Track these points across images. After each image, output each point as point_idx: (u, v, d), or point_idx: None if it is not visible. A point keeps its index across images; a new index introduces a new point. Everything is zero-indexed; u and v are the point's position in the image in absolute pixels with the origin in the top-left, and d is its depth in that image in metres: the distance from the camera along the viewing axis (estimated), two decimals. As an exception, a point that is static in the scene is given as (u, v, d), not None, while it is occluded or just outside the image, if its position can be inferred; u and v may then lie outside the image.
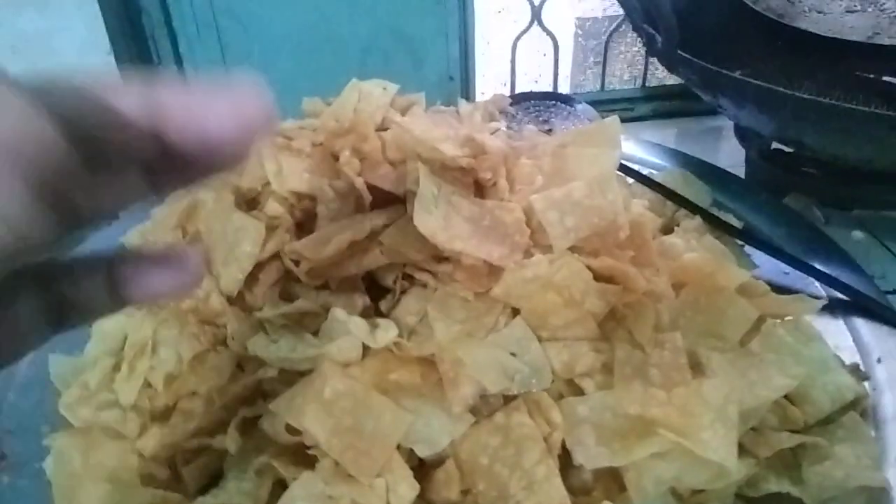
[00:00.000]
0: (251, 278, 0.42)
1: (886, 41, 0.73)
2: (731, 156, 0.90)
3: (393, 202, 0.41)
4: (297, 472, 0.36)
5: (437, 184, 0.37)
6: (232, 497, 0.37)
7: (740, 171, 0.76)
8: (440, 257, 0.38)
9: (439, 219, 0.36)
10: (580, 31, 1.07)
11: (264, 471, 0.38)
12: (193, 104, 0.19)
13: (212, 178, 0.22)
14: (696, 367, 0.39)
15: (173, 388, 0.41)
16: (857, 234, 0.70)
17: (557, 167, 0.40)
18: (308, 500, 0.34)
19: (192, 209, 0.46)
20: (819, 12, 0.71)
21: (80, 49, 0.75)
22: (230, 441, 0.38)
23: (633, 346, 0.38)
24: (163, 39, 0.78)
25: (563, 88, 1.05)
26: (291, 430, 0.37)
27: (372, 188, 0.41)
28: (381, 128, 0.44)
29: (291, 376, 0.39)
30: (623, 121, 1.06)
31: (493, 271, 0.38)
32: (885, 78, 0.77)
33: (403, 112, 0.48)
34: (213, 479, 0.40)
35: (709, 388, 0.37)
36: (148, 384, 0.42)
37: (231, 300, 0.42)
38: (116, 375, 0.43)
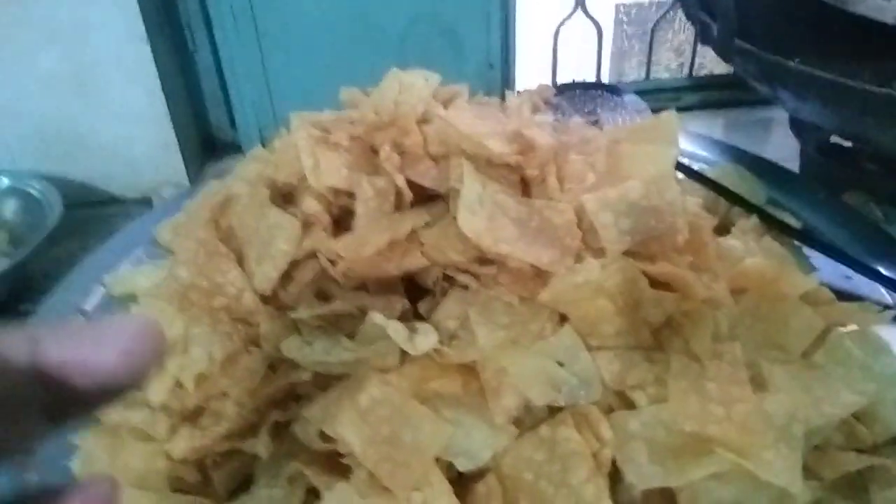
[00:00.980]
0: (286, 277, 0.41)
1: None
2: (781, 148, 0.87)
3: (435, 200, 0.39)
4: (330, 481, 0.35)
5: (483, 182, 0.35)
6: (263, 504, 0.35)
7: (792, 165, 0.72)
8: (484, 259, 0.36)
9: (484, 220, 0.34)
10: (625, 18, 1.04)
11: (296, 478, 0.36)
12: (79, 346, 0.20)
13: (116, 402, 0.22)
14: (757, 381, 0.36)
15: (204, 388, 0.40)
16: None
17: (611, 165, 0.38)
18: (342, 513, 0.33)
19: (226, 203, 0.44)
20: (886, -1, 0.67)
21: (116, 37, 0.74)
22: (261, 446, 0.37)
23: (689, 357, 0.36)
24: (199, 28, 0.77)
25: (606, 77, 1.02)
26: (325, 437, 0.36)
27: (413, 185, 0.39)
28: (423, 121, 0.42)
29: (326, 380, 0.37)
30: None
31: (540, 275, 0.36)
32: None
33: (446, 104, 0.45)
34: (243, 485, 0.39)
35: (771, 404, 0.34)
36: (178, 384, 0.40)
37: (265, 299, 0.41)
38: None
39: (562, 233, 0.35)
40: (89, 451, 0.38)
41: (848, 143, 0.65)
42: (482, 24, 0.80)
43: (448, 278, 0.38)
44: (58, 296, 0.53)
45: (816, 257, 0.49)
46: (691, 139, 0.68)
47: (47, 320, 0.51)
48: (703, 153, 0.66)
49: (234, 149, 0.86)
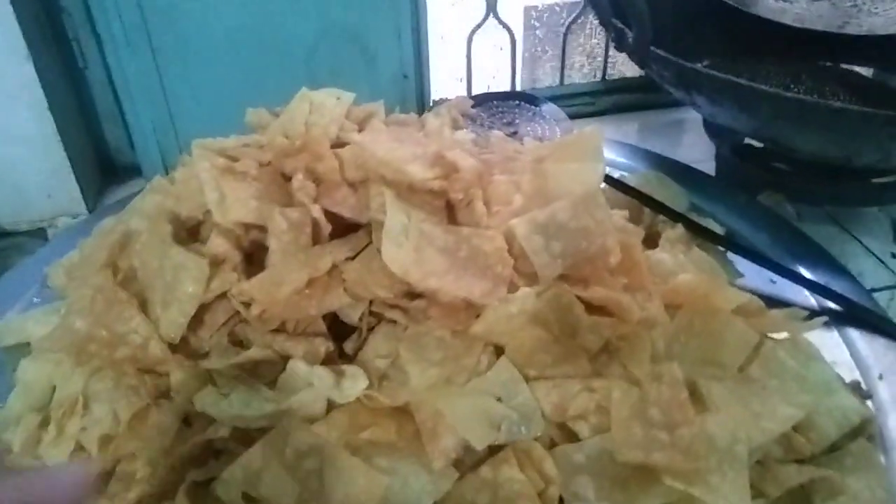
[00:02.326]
0: (196, 320, 0.37)
1: (855, 32, 0.71)
2: (695, 149, 0.88)
3: (353, 229, 0.36)
4: (259, 545, 0.32)
5: (407, 211, 0.33)
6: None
7: (705, 167, 0.73)
8: (412, 293, 0.34)
9: (410, 252, 0.31)
10: (536, 23, 1.03)
11: (221, 544, 0.33)
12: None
13: None
14: (696, 400, 0.35)
15: (110, 450, 0.36)
16: (832, 231, 0.69)
17: (537, 185, 0.36)
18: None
19: (125, 242, 0.40)
20: (787, 0, 0.69)
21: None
22: (178, 511, 0.33)
23: (629, 382, 0.34)
24: (88, 43, 0.71)
25: (521, 84, 1.01)
26: (250, 497, 0.32)
27: (330, 215, 0.36)
28: (337, 144, 0.39)
29: (247, 434, 0.34)
30: (583, 116, 1.02)
31: (472, 306, 0.34)
32: (848, 66, 0.75)
33: (361, 125, 0.43)
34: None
35: (713, 425, 0.34)
36: (80, 447, 0.36)
37: (174, 347, 0.37)
38: (43, 436, 0.37)
39: (493, 261, 0.33)
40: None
41: (761, 145, 0.66)
42: (393, 34, 0.78)
43: (374, 313, 0.36)
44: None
45: (741, 262, 0.49)
46: (610, 146, 0.67)
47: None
48: (622, 160, 0.66)
49: (136, 172, 0.80)
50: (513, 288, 0.34)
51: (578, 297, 0.34)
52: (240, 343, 0.37)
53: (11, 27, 0.66)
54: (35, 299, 0.51)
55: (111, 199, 0.79)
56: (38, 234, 0.77)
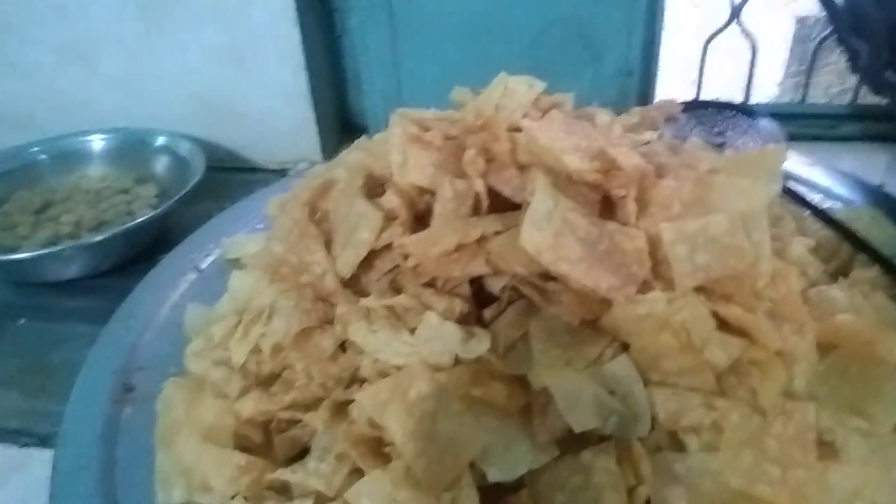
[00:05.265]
0: (366, 264, 0.42)
1: None
2: (949, 194, 0.77)
3: (512, 209, 0.39)
4: (372, 465, 0.36)
5: (555, 198, 0.34)
6: (309, 476, 0.37)
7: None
8: (550, 275, 0.36)
9: (548, 236, 0.33)
10: (789, 35, 0.97)
11: (344, 457, 0.38)
12: None
13: None
14: (829, 448, 0.33)
15: (280, 357, 0.43)
16: None
17: (700, 195, 0.36)
18: (372, 499, 0.34)
19: (326, 187, 0.47)
20: None
21: (271, 16, 0.79)
22: (319, 420, 0.39)
23: (753, 409, 0.33)
24: (346, 14, 0.81)
25: (759, 97, 0.96)
26: (374, 423, 0.37)
27: (494, 192, 0.39)
28: (517, 128, 0.42)
29: (386, 368, 0.39)
30: (823, 139, 0.94)
31: (606, 299, 0.35)
32: None
33: (546, 112, 0.45)
34: (302, 453, 0.41)
35: (837, 475, 0.32)
36: (258, 349, 0.43)
37: (345, 282, 0.43)
38: (235, 333, 0.45)
39: (629, 259, 0.34)
40: (169, 398, 0.41)
41: None
42: (623, 30, 0.78)
43: (515, 289, 0.38)
44: (180, 251, 0.59)
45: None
46: (831, 175, 0.62)
47: (167, 272, 0.56)
48: (840, 191, 0.60)
49: (367, 132, 0.89)
50: (647, 290, 0.34)
51: (714, 313, 0.34)
52: (398, 290, 0.42)
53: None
54: (258, 225, 0.61)
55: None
56: (282, 174, 0.90)
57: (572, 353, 0.35)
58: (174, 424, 0.40)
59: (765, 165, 0.37)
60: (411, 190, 0.40)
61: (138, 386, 0.46)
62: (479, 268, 0.37)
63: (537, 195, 0.34)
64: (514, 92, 0.44)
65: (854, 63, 0.53)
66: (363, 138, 0.50)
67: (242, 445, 0.41)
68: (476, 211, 0.39)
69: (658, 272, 0.35)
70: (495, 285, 0.39)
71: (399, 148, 0.41)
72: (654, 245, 0.35)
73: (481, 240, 0.37)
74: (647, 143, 0.46)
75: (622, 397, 0.34)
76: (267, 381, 0.43)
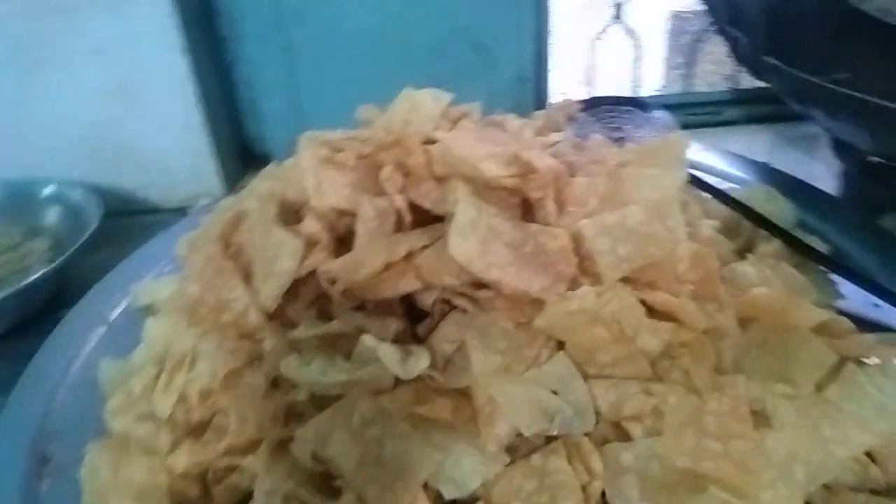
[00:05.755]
0: (291, 294, 0.41)
1: None
2: (828, 165, 0.83)
3: (435, 221, 0.39)
4: (322, 502, 0.35)
5: (478, 206, 0.35)
6: (257, 522, 0.35)
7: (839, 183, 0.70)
8: (480, 283, 0.36)
9: (476, 244, 0.33)
10: (669, 28, 1.02)
11: (291, 497, 0.36)
12: None
13: None
14: (761, 416, 0.35)
15: (208, 403, 0.41)
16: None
17: (613, 189, 0.37)
18: (328, 536, 0.33)
19: (238, 219, 0.45)
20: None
21: (158, 49, 0.76)
22: (259, 463, 0.37)
23: (688, 389, 0.35)
24: (235, 41, 0.79)
25: (648, 90, 1.00)
26: (319, 457, 0.36)
27: (414, 206, 0.39)
28: (430, 141, 0.42)
29: (323, 400, 0.38)
30: (710, 125, 0.99)
31: (537, 300, 0.35)
32: None
33: (454, 124, 0.45)
34: (242, 501, 0.39)
35: (772, 441, 0.33)
36: (184, 398, 0.41)
37: (270, 316, 0.41)
38: (156, 384, 0.43)
39: (555, 258, 0.34)
40: (93, 463, 0.39)
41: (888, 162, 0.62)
42: (514, 38, 0.80)
43: (447, 301, 0.38)
44: (86, 304, 0.55)
45: (845, 284, 0.47)
46: (725, 158, 0.66)
47: (74, 328, 0.53)
48: (735, 172, 0.64)
49: (269, 162, 0.87)
50: (577, 287, 0.35)
51: (642, 301, 0.35)
52: (327, 317, 0.41)
53: (175, 24, 0.74)
54: (167, 268, 0.58)
55: (247, 184, 0.87)
56: (182, 213, 0.86)
57: (511, 357, 0.35)
58: (102, 491, 0.37)
59: (669, 154, 0.39)
60: (330, 213, 0.40)
61: (55, 455, 0.43)
62: (409, 284, 0.36)
63: (460, 205, 0.34)
64: (422, 105, 0.44)
65: (734, 50, 0.56)
66: (271, 166, 0.48)
67: (179, 502, 0.38)
68: (399, 227, 0.38)
69: (583, 268, 0.36)
70: (426, 300, 0.38)
71: (312, 171, 0.40)
72: (576, 242, 0.36)
73: (409, 256, 0.36)
74: (555, 144, 0.47)
75: (564, 395, 0.35)
76: (197, 430, 0.41)
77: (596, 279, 0.35)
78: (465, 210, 0.34)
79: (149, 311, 0.52)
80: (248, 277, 0.42)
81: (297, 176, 0.43)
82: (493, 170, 0.35)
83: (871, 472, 0.35)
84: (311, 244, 0.40)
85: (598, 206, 0.37)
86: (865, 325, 0.41)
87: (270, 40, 0.72)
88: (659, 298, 0.34)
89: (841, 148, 0.65)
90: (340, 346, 0.38)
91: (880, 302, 0.46)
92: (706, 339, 0.35)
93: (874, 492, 0.35)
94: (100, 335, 0.52)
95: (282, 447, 0.38)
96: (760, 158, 0.69)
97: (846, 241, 0.52)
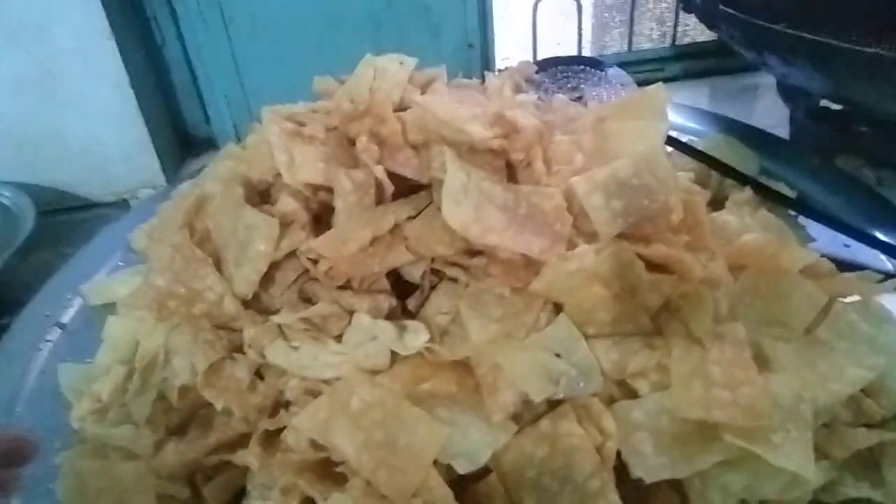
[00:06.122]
0: (267, 278, 0.39)
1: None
2: (770, 115, 0.85)
3: (417, 190, 0.37)
4: (326, 490, 0.33)
5: (467, 170, 0.33)
6: (256, 519, 0.34)
7: (781, 132, 0.71)
8: (472, 250, 0.35)
9: (470, 210, 0.32)
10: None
11: (290, 489, 0.34)
12: None
13: None
14: (760, 360, 0.35)
15: (189, 400, 0.38)
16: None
17: (598, 144, 0.36)
18: (339, 525, 0.31)
19: (200, 205, 0.42)
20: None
21: (80, 35, 0.72)
22: (252, 457, 0.36)
23: (690, 340, 0.34)
24: (166, 21, 0.74)
25: (588, 51, 1.00)
26: (317, 444, 0.34)
27: (393, 176, 0.37)
28: (400, 108, 0.40)
29: (315, 384, 0.36)
30: (652, 82, 1.00)
31: (532, 264, 0.34)
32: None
33: (423, 89, 0.44)
34: (236, 498, 0.37)
35: (777, 384, 0.33)
36: (162, 396, 0.39)
37: (247, 303, 0.39)
38: (129, 387, 0.40)
39: (551, 219, 0.33)
40: (75, 472, 0.36)
41: (838, 107, 0.63)
42: (459, 4, 0.78)
43: (436, 271, 0.37)
44: (33, 308, 0.51)
45: (813, 226, 0.48)
46: (679, 111, 0.66)
47: (24, 335, 0.49)
48: (691, 125, 0.64)
49: (211, 145, 0.83)
50: (572, 246, 0.34)
51: (639, 255, 0.34)
52: (309, 300, 0.39)
53: (96, 6, 0.69)
54: (119, 263, 0.54)
55: (188, 171, 0.82)
56: (122, 205, 0.82)
57: (510, 323, 0.34)
58: (86, 501, 0.35)
59: (649, 106, 0.38)
60: (305, 189, 0.37)
61: (21, 471, 0.39)
62: (399, 257, 0.35)
63: (449, 170, 0.32)
64: (387, 71, 0.42)
65: (688, 3, 0.56)
66: (230, 145, 0.45)
67: (167, 507, 0.36)
68: (380, 199, 0.37)
69: (577, 226, 0.35)
70: (414, 272, 0.37)
71: (281, 147, 0.37)
72: (568, 200, 0.35)
73: (395, 228, 0.35)
74: (528, 103, 0.46)
75: (568, 357, 0.34)
76: (180, 429, 0.39)
77: (590, 237, 0.35)
78: (455, 175, 0.32)
79: (105, 310, 0.49)
80: (218, 264, 0.40)
81: (263, 154, 0.41)
82: (480, 131, 0.34)
83: (865, 406, 0.36)
84: (286, 224, 0.38)
85: (584, 162, 0.36)
86: (838, 264, 0.41)
87: (204, 17, 0.68)
88: (657, 251, 0.34)
89: (791, 95, 0.66)
90: (328, 328, 0.37)
91: (850, 241, 0.47)
92: (704, 289, 0.34)
93: (868, 425, 0.36)
94: (54, 340, 0.48)
95: (273, 439, 0.36)
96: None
97: (809, 185, 0.53)
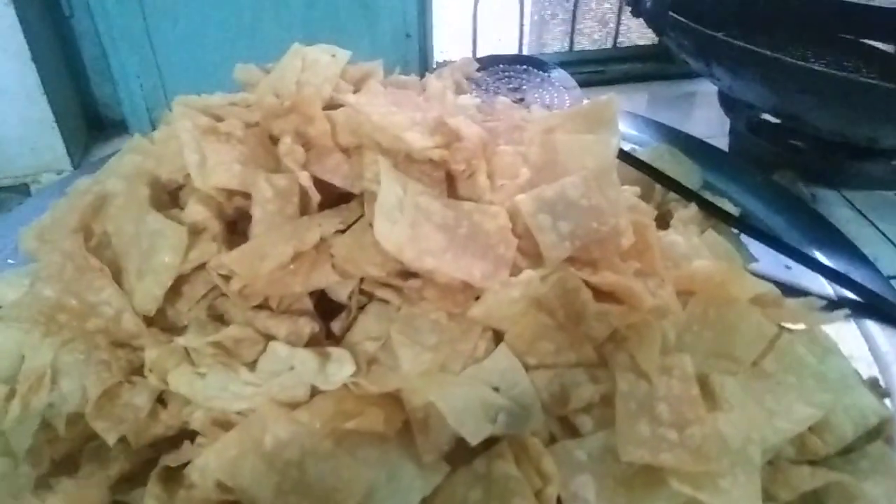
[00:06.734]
0: (173, 292, 0.34)
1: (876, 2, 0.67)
2: (707, 124, 0.85)
3: (346, 200, 0.33)
4: (233, 538, 0.30)
5: (403, 183, 0.30)
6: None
7: (717, 141, 0.70)
8: (406, 271, 0.31)
9: (406, 229, 0.29)
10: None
11: (193, 534, 0.30)
12: None
13: None
14: (707, 395, 0.33)
15: (79, 430, 0.34)
16: (847, 214, 0.66)
17: (546, 157, 0.33)
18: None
19: (99, 205, 0.37)
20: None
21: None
22: (151, 497, 0.31)
23: (637, 374, 0.32)
24: (73, -12, 0.68)
25: (528, 48, 0.98)
26: (225, 486, 0.30)
27: (320, 183, 0.33)
28: (331, 105, 0.36)
29: (223, 416, 0.32)
30: (592, 84, 0.99)
31: (471, 287, 0.31)
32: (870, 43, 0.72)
33: (357, 85, 0.40)
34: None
35: (726, 424, 0.31)
36: (47, 424, 0.34)
37: (149, 320, 0.35)
38: (8, 411, 0.35)
39: (495, 241, 0.30)
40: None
41: (777, 121, 0.63)
42: (398, -9, 0.74)
43: (365, 291, 0.33)
44: None
45: (755, 246, 0.47)
46: (623, 118, 0.64)
47: None
48: (633, 132, 0.63)
49: (124, 128, 0.77)
50: (515, 270, 0.31)
51: (586, 282, 0.31)
52: (220, 318, 0.34)
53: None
54: (10, 261, 0.48)
55: (98, 156, 0.76)
56: (21, 190, 0.75)
57: (444, 353, 0.31)
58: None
59: (601, 118, 0.36)
60: (218, 195, 0.33)
61: None
62: (325, 277, 0.31)
63: (384, 183, 0.29)
64: (317, 63, 0.38)
65: (637, 7, 0.54)
66: (137, 137, 0.40)
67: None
68: (305, 209, 0.33)
69: (521, 248, 0.32)
70: (341, 292, 0.33)
71: (192, 145, 0.33)
72: (513, 219, 0.32)
73: (321, 243, 0.31)
74: (472, 108, 0.42)
75: (507, 391, 0.31)
76: (68, 464, 0.34)
77: (535, 261, 0.32)
78: (389, 189, 0.29)
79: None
80: (118, 275, 0.35)
81: (172, 150, 0.36)
82: (419, 140, 0.30)
83: (810, 443, 0.34)
84: (196, 233, 0.33)
85: (531, 177, 0.33)
86: (779, 287, 0.40)
87: (118, -11, 0.62)
88: (606, 280, 0.31)
89: (732, 106, 0.65)
90: (241, 353, 0.33)
91: (791, 262, 0.46)
92: (652, 319, 0.32)
93: (812, 462, 0.34)
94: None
95: (176, 474, 0.32)
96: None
97: (752, 202, 0.52)
